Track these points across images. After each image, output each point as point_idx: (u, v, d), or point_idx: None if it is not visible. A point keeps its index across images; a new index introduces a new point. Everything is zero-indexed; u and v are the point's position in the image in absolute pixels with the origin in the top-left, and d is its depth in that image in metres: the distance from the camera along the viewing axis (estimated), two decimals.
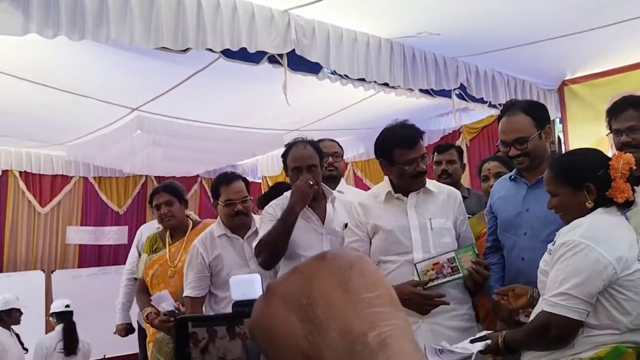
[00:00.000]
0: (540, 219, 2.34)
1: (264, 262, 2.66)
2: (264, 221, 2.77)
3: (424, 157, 2.49)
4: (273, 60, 3.53)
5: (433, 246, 2.47)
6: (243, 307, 0.70)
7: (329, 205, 2.79)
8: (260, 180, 8.87)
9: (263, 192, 8.79)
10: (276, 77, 3.51)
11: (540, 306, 1.93)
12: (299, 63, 3.59)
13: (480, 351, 2.05)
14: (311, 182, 2.58)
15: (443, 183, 2.87)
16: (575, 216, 1.97)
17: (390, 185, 2.57)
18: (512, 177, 2.60)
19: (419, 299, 2.32)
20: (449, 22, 3.88)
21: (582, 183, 1.96)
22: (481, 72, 4.94)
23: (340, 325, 0.43)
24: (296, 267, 0.49)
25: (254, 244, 2.71)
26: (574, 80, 5.74)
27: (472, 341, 2.11)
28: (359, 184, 8.06)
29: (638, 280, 1.86)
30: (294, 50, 3.38)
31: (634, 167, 1.99)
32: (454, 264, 2.33)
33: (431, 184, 2.61)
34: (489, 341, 2.06)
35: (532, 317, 2.02)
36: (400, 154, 2.46)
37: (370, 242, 2.55)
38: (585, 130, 5.44)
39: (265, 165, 8.27)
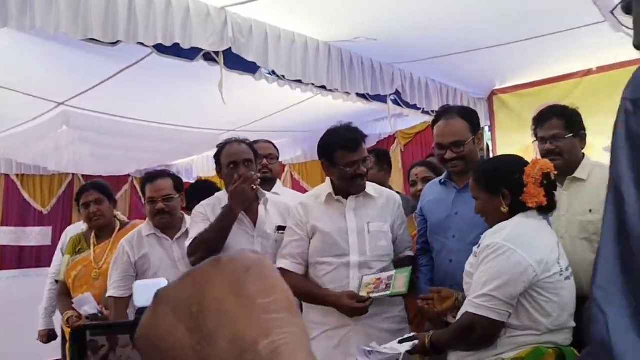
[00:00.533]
0: (468, 222, 2.41)
1: (197, 262, 2.58)
2: (195, 221, 2.70)
3: (365, 160, 2.52)
4: (209, 57, 3.46)
5: (369, 249, 2.50)
6: None
7: (261, 207, 2.75)
8: (195, 181, 8.71)
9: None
10: (212, 75, 3.44)
11: (465, 307, 1.98)
12: (235, 62, 3.53)
13: (408, 351, 2.08)
14: (254, 178, 2.52)
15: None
16: (496, 220, 2.03)
17: (332, 187, 2.58)
18: (442, 180, 2.66)
19: (352, 311, 2.35)
20: (385, 29, 3.94)
21: (497, 188, 2.03)
22: (415, 79, 5.05)
23: (230, 333, 0.41)
24: (188, 272, 0.45)
25: (186, 243, 2.63)
26: (503, 90, 5.97)
27: (400, 341, 2.14)
28: (296, 186, 8.05)
29: (558, 282, 1.94)
30: (230, 48, 3.32)
31: (554, 173, 2.07)
32: (389, 282, 2.37)
33: (372, 188, 2.64)
34: (416, 341, 2.09)
35: (457, 318, 2.06)
36: (342, 155, 2.49)
37: (310, 242, 2.55)
38: (512, 138, 5.67)
39: (201, 166, 8.10)
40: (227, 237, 2.53)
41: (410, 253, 2.71)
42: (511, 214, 2.01)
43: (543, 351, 1.91)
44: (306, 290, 2.46)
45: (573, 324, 2.00)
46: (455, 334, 2.02)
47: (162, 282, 0.67)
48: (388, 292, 2.34)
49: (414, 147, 7.06)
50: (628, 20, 0.96)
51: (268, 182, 3.16)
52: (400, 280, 2.36)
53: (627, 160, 0.72)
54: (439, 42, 4.26)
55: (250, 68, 3.71)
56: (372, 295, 2.36)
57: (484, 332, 1.91)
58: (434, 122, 2.62)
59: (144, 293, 0.66)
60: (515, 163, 2.09)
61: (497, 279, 1.87)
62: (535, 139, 2.93)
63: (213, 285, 0.43)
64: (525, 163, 2.06)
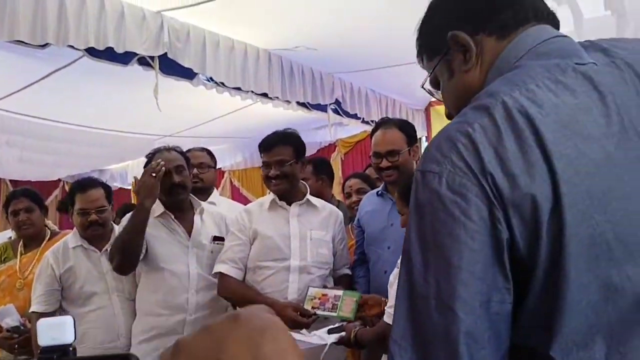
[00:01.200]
0: (403, 233, 2.44)
1: (117, 265, 2.49)
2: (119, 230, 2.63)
3: (281, 163, 2.48)
4: (144, 62, 3.37)
5: (310, 255, 2.50)
6: (51, 354, 0.62)
7: (196, 217, 2.69)
8: (130, 187, 8.47)
9: (132, 198, 8.44)
10: (149, 79, 3.36)
11: (385, 316, 2.02)
12: (172, 67, 3.46)
13: (334, 342, 2.10)
14: (157, 169, 2.43)
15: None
16: None
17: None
18: (380, 192, 2.69)
19: (294, 324, 2.34)
20: (326, 39, 3.96)
21: None
22: (355, 89, 5.11)
23: None
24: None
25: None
26: (439, 102, 6.10)
27: (330, 331, 2.16)
28: (236, 193, 7.98)
29: None
30: (166, 53, 3.25)
31: None
32: (336, 302, 2.36)
33: (316, 200, 2.65)
34: (343, 333, 2.12)
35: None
36: (262, 155, 2.53)
37: (251, 247, 2.53)
38: None
39: (136, 171, 7.87)
40: (143, 235, 2.44)
41: (347, 271, 2.72)
42: None
43: None
44: (248, 297, 2.42)
45: None
46: (372, 337, 2.08)
47: (67, 321, 0.63)
48: (335, 314, 2.33)
49: (354, 156, 7.15)
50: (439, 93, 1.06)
51: (200, 192, 3.08)
52: (349, 304, 2.36)
53: (415, 227, 0.79)
54: (378, 53, 4.33)
55: (187, 74, 3.65)
56: (317, 312, 2.36)
57: None
58: (373, 132, 2.66)
59: (48, 331, 0.63)
60: None
61: None
62: None
63: (231, 341, 0.45)
64: None
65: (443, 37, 0.95)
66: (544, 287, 0.75)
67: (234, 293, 2.50)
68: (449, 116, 1.01)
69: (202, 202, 2.80)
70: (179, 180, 2.59)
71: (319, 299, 2.39)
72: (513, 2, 0.92)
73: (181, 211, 2.67)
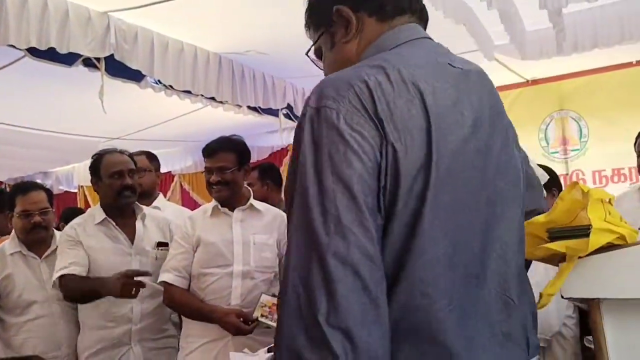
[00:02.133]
0: None
1: (68, 300, 2.54)
2: (62, 244, 2.53)
3: (222, 169, 2.47)
4: (90, 63, 3.29)
5: (253, 259, 2.49)
6: None
7: (138, 223, 2.64)
8: (76, 190, 8.22)
9: (78, 202, 8.20)
10: (94, 81, 3.27)
11: None
12: (119, 69, 3.39)
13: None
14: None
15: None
16: None
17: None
18: None
19: (237, 330, 2.32)
20: (276, 43, 3.96)
21: None
22: (307, 94, 5.11)
23: None
24: None
25: (55, 275, 2.45)
26: None
27: (269, 349, 2.14)
28: (186, 197, 7.86)
29: None
30: (113, 55, 3.17)
31: None
32: None
33: (260, 204, 2.64)
34: None
35: None
36: (205, 161, 2.53)
37: (194, 255, 2.51)
38: None
39: (83, 174, 7.65)
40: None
41: None
42: None
43: None
44: (192, 306, 2.40)
45: None
46: None
47: None
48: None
49: None
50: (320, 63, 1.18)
51: (142, 196, 3.00)
52: None
53: (311, 159, 0.85)
54: None
55: (135, 76, 3.57)
56: (260, 320, 2.34)
57: None
58: None
59: None
60: None
61: None
62: None
63: None
64: None
65: (329, 11, 1.07)
66: (402, 231, 0.85)
67: (179, 303, 2.48)
68: None
69: (144, 207, 2.75)
70: (131, 182, 2.56)
71: (269, 307, 2.37)
72: None
73: (123, 217, 2.61)
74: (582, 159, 5.28)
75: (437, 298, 0.85)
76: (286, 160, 7.21)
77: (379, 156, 0.84)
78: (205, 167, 2.52)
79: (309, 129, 0.86)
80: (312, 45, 1.13)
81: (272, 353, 2.10)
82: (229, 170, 2.46)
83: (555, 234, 1.20)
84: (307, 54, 1.16)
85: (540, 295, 1.09)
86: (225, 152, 2.48)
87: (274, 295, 2.44)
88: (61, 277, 2.40)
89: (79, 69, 3.26)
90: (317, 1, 1.13)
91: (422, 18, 1.11)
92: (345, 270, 0.78)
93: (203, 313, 2.39)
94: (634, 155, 2.71)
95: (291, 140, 5.43)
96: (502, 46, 3.69)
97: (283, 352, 0.80)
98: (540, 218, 1.20)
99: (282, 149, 7.12)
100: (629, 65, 4.92)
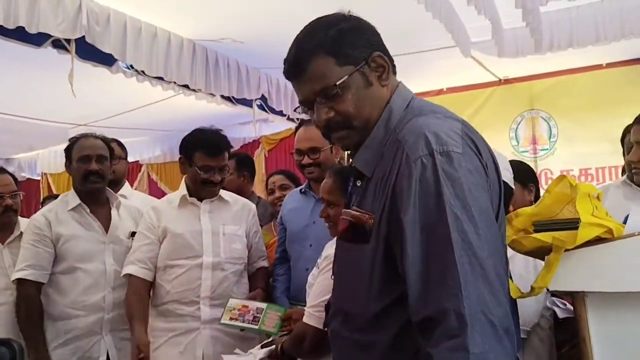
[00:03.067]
0: (325, 231, 2.43)
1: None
2: (28, 234, 2.46)
3: (223, 169, 2.46)
4: (59, 45, 3.17)
5: (223, 251, 2.45)
6: None
7: (113, 211, 2.57)
8: (39, 177, 7.99)
9: (42, 190, 7.97)
10: (63, 64, 3.16)
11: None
12: (89, 52, 3.28)
13: (264, 358, 2.05)
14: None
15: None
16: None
17: (186, 189, 2.49)
18: (303, 190, 2.67)
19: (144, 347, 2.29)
20: (253, 32, 3.90)
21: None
22: (282, 85, 5.07)
23: None
24: None
25: (15, 272, 2.39)
26: None
27: (262, 346, 2.12)
28: (153, 187, 7.72)
29: None
30: (84, 37, 3.07)
31: None
32: (258, 315, 2.30)
33: (227, 194, 2.59)
34: (273, 347, 2.07)
35: None
36: (200, 157, 2.42)
37: (160, 246, 2.44)
38: None
39: (47, 161, 7.45)
40: None
41: (264, 263, 2.69)
42: None
43: None
44: (133, 311, 2.36)
45: None
46: (291, 343, 2.00)
47: None
48: (256, 328, 2.27)
49: (278, 153, 7.10)
50: None
51: (112, 184, 2.90)
52: (273, 318, 2.30)
53: (452, 196, 1.04)
54: None
55: (106, 60, 3.47)
56: (234, 323, 2.29)
57: (312, 341, 1.89)
58: (297, 129, 2.64)
59: None
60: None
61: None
62: None
63: None
64: None
65: (366, 53, 1.19)
66: None
67: (128, 301, 2.40)
68: (338, 122, 1.22)
69: (118, 196, 2.68)
70: (97, 168, 2.48)
71: (239, 310, 2.33)
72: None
73: (97, 204, 2.54)
74: (551, 159, 5.38)
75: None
76: (258, 152, 7.14)
77: (488, 187, 1.11)
78: (208, 165, 2.42)
79: (441, 169, 1.05)
80: (343, 79, 1.18)
81: (268, 348, 2.07)
82: (228, 170, 2.53)
83: (541, 227, 1.20)
84: (333, 84, 1.19)
85: (532, 289, 1.08)
86: (227, 151, 2.50)
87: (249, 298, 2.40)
88: (19, 280, 2.38)
89: (48, 50, 3.14)
90: (354, 37, 1.21)
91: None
92: (497, 285, 1.02)
93: (131, 324, 2.33)
94: (601, 155, 2.75)
95: (264, 132, 5.38)
96: (479, 43, 3.72)
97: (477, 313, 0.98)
98: (527, 210, 1.19)
99: (254, 140, 7.04)
100: (599, 67, 5.03)
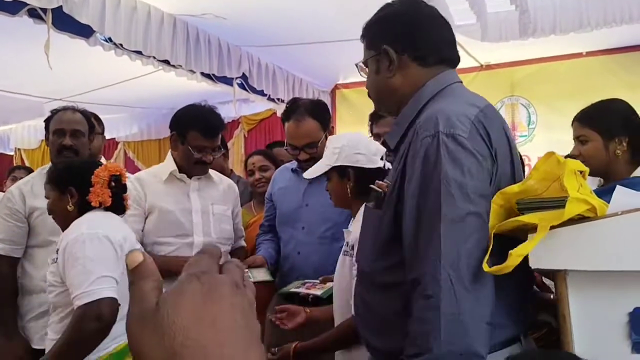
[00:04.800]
0: (318, 214, 2.41)
1: None
2: (0, 209, 2.39)
3: (216, 149, 2.41)
4: (35, 14, 3.07)
5: (214, 231, 2.41)
6: None
7: None
8: (12, 153, 7.82)
9: (15, 166, 7.79)
10: (39, 34, 3.06)
11: None
12: (67, 23, 3.19)
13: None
14: None
15: None
16: (65, 221, 1.98)
17: (175, 165, 2.42)
18: (294, 169, 2.61)
19: None
20: (236, 8, 3.84)
21: (65, 187, 1.96)
22: (263, 65, 5.01)
23: None
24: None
25: None
26: (345, 85, 6.19)
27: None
28: (130, 165, 7.61)
29: None
30: (61, 7, 2.97)
31: (125, 177, 2.08)
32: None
33: (213, 172, 2.54)
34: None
35: None
36: (195, 137, 2.34)
37: (146, 220, 2.37)
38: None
39: (20, 136, 7.29)
40: None
41: (243, 243, 2.68)
42: (80, 213, 1.96)
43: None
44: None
45: None
46: (335, 344, 1.93)
47: None
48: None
49: (257, 134, 7.05)
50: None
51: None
52: (260, 271, 2.33)
53: (451, 170, 1.15)
54: (290, 29, 4.26)
55: (83, 31, 3.38)
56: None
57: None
58: (284, 118, 2.54)
59: None
60: (88, 164, 2.05)
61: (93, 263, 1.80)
62: (371, 134, 3.04)
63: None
64: (98, 164, 2.04)
65: (379, 44, 1.38)
66: None
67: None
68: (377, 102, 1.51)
69: None
70: (71, 143, 2.41)
71: None
72: (433, 48, 1.38)
73: None
74: (529, 145, 5.43)
75: None
76: (237, 132, 7.07)
77: (491, 168, 1.21)
78: (203, 146, 2.35)
79: (447, 148, 1.16)
80: (362, 61, 1.46)
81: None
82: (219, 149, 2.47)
83: (525, 206, 1.19)
84: (357, 64, 1.49)
85: (510, 255, 1.08)
86: (222, 131, 2.44)
87: None
88: None
89: (23, 19, 3.04)
90: (373, 30, 1.42)
91: (456, 64, 1.42)
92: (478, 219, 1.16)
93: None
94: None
95: (244, 112, 5.31)
96: (463, 26, 3.71)
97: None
98: (514, 187, 1.19)
99: (233, 120, 6.97)
100: (579, 55, 5.07)
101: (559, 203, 1.11)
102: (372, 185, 1.39)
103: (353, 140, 1.97)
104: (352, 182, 1.93)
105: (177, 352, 0.39)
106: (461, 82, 1.40)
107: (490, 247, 1.13)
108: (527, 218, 1.14)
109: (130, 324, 0.43)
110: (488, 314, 1.12)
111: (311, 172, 2.05)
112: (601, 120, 2.01)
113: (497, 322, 1.14)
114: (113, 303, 1.77)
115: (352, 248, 1.84)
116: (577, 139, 2.07)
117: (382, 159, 1.95)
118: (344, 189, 1.95)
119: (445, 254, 1.11)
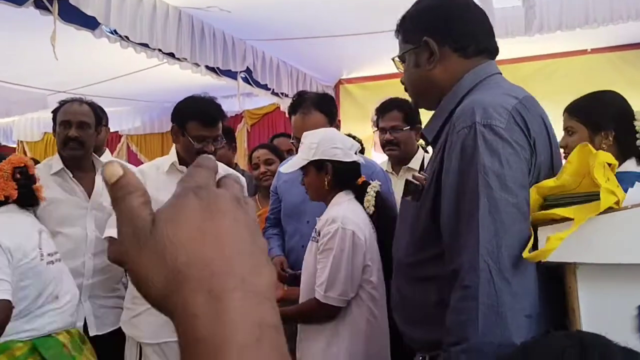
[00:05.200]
0: (323, 208, 2.40)
1: None
2: None
3: (217, 139, 2.39)
4: (41, 5, 3.07)
5: None
6: None
7: (98, 178, 2.51)
8: (15, 145, 7.83)
9: None
10: (45, 25, 3.06)
11: None
12: (73, 14, 3.18)
13: None
14: None
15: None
16: None
17: (177, 157, 2.42)
18: None
19: None
20: (240, 2, 3.83)
21: None
22: (267, 59, 5.01)
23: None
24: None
25: None
26: (349, 80, 6.19)
27: None
28: (133, 159, 7.62)
29: (38, 266, 1.92)
30: None
31: (32, 169, 2.07)
32: None
33: (219, 166, 2.54)
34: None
35: None
36: (194, 126, 2.32)
37: None
38: (356, 128, 5.90)
39: (23, 129, 7.30)
40: None
41: None
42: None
43: (10, 346, 1.82)
44: None
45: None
46: (299, 315, 2.05)
47: None
48: None
49: (260, 128, 7.05)
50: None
51: (94, 151, 2.84)
52: None
53: (489, 161, 1.16)
54: (294, 24, 4.25)
55: (89, 23, 3.37)
56: None
57: (320, 318, 1.98)
58: (291, 111, 2.53)
59: None
60: None
61: None
62: (376, 129, 3.04)
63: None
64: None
65: (419, 36, 1.36)
66: None
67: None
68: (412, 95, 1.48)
69: (103, 162, 2.63)
70: (76, 135, 2.43)
71: None
72: (474, 38, 1.36)
73: (81, 170, 2.50)
74: None
75: None
76: (240, 126, 7.07)
77: (529, 158, 1.21)
78: (202, 135, 2.32)
79: (484, 138, 1.17)
80: (398, 55, 1.45)
81: None
82: (222, 139, 2.41)
83: (554, 202, 1.19)
84: (393, 58, 1.48)
85: (548, 239, 1.09)
86: (221, 120, 2.38)
87: None
88: None
89: (29, 10, 3.03)
90: (412, 23, 1.40)
91: (495, 54, 1.42)
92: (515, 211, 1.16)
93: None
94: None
95: (247, 107, 5.30)
96: None
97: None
98: (550, 182, 1.19)
99: (236, 114, 6.97)
100: (584, 52, 5.06)
101: (588, 198, 1.11)
102: (409, 178, 1.41)
103: (329, 135, 2.09)
104: (330, 175, 2.02)
105: (182, 271, 0.36)
106: (500, 73, 1.39)
107: (532, 237, 1.14)
108: (563, 211, 1.14)
109: (125, 245, 0.38)
110: (528, 306, 1.12)
111: (288, 167, 2.11)
112: (589, 113, 1.98)
113: (538, 313, 1.14)
114: (7, 305, 1.77)
115: (319, 234, 1.97)
116: (565, 129, 2.06)
117: (356, 153, 2.08)
118: (321, 182, 2.04)
119: (484, 244, 1.12)
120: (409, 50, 1.40)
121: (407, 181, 1.42)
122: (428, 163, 1.44)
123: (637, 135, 1.74)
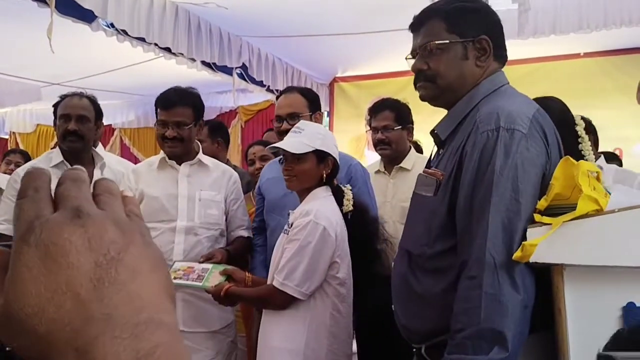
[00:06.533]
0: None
1: None
2: (8, 189, 2.40)
3: (179, 125, 2.37)
4: None
5: (198, 216, 2.42)
6: None
7: (97, 172, 2.53)
8: (7, 136, 7.79)
9: (10, 149, 7.76)
10: (41, 17, 3.06)
11: None
12: (70, 7, 3.18)
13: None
14: None
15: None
16: None
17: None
18: (282, 160, 2.64)
19: None
20: None
21: None
22: (263, 56, 5.02)
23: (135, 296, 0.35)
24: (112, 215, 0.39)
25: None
26: (344, 79, 6.21)
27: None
28: (126, 152, 7.60)
29: None
30: None
31: None
32: (203, 274, 2.29)
33: (208, 159, 2.56)
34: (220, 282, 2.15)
35: None
36: (158, 113, 2.41)
37: None
38: (349, 126, 5.93)
39: (16, 120, 7.26)
40: None
41: (243, 233, 2.66)
42: None
43: None
44: None
45: None
46: (255, 300, 2.12)
47: None
48: (200, 285, 2.25)
49: (254, 125, 7.05)
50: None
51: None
52: (216, 277, 2.30)
53: (504, 165, 1.25)
54: (290, 21, 4.27)
55: (86, 16, 3.37)
56: (178, 282, 2.25)
57: (276, 306, 2.03)
58: (277, 97, 2.65)
59: None
60: None
61: None
62: (369, 128, 3.07)
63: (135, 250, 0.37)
64: None
65: (475, 32, 1.39)
66: None
67: None
68: (427, 78, 1.47)
69: (103, 157, 2.65)
70: (75, 128, 2.46)
71: (183, 270, 2.31)
72: (504, 47, 1.46)
73: (81, 163, 2.50)
74: None
75: None
76: (234, 122, 7.07)
77: (544, 166, 1.28)
78: (160, 120, 2.38)
79: (503, 142, 1.25)
80: (440, 42, 1.42)
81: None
82: (186, 127, 2.37)
83: (549, 211, 1.24)
84: (429, 43, 1.44)
85: (523, 245, 1.15)
86: (184, 106, 2.37)
87: (207, 259, 2.39)
88: None
89: (27, 3, 3.04)
90: (473, 17, 1.42)
91: (504, 63, 1.48)
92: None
93: None
94: None
95: (241, 103, 5.30)
96: None
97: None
98: (542, 202, 1.26)
99: (230, 110, 6.97)
100: (577, 56, 5.11)
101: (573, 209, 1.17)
102: (421, 173, 1.48)
103: (329, 132, 2.13)
104: (329, 169, 2.04)
105: (45, 339, 0.33)
106: (509, 82, 1.47)
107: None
108: (544, 219, 1.19)
109: None
110: (526, 298, 1.21)
111: (294, 147, 2.03)
112: None
113: (534, 305, 1.23)
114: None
115: (291, 226, 1.99)
116: None
117: None
118: (319, 173, 2.04)
119: (491, 239, 1.21)
120: (456, 41, 1.40)
121: (420, 175, 1.49)
122: (436, 160, 1.49)
123: (579, 140, 1.78)
